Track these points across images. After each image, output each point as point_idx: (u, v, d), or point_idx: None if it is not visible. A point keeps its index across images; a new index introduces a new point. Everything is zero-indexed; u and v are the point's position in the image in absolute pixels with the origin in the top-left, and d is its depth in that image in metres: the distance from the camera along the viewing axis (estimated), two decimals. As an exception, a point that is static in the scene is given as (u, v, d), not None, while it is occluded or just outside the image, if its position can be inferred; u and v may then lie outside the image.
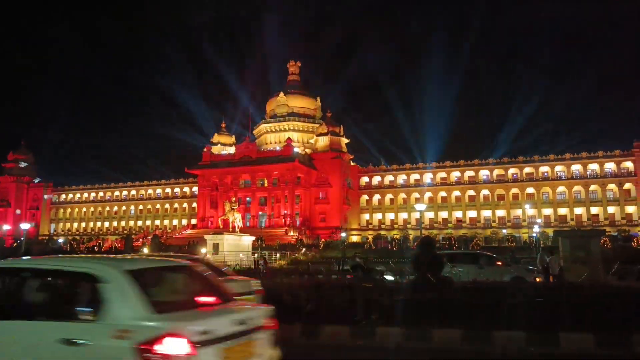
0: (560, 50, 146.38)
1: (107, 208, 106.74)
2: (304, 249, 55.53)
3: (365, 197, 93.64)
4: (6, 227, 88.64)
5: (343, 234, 70.13)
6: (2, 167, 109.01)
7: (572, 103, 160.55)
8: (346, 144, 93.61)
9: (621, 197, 79.75)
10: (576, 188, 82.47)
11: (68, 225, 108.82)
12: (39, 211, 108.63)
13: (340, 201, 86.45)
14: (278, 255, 48.67)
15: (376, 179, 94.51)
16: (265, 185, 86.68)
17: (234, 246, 44.69)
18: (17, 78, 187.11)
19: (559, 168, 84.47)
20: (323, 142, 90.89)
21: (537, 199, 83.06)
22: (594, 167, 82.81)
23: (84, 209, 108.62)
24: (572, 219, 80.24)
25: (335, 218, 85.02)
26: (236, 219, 51.17)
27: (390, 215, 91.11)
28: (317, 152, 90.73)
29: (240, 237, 47.83)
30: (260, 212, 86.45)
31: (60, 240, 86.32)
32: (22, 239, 57.65)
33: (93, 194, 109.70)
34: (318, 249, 57.91)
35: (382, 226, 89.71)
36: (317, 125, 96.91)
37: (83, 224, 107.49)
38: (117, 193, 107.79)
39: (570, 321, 8.75)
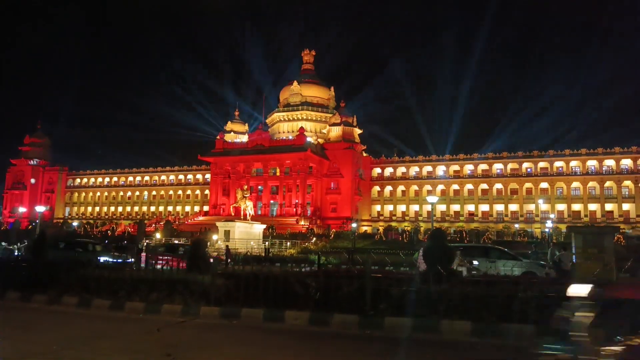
0: (577, 42, 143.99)
1: (121, 193, 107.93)
2: (314, 239, 55.72)
3: (377, 188, 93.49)
4: (22, 209, 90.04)
5: (354, 225, 70.17)
6: (18, 150, 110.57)
7: (589, 97, 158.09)
8: (359, 135, 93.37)
9: (637, 194, 78.60)
10: (591, 184, 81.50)
11: (82, 209, 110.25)
12: (54, 194, 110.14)
13: (352, 192, 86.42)
14: (289, 244, 48.88)
15: (388, 170, 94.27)
16: (277, 174, 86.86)
17: (245, 234, 45.03)
18: (34, 62, 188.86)
19: (574, 163, 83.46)
20: (336, 132, 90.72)
21: (551, 194, 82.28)
22: (609, 163, 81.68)
23: (98, 194, 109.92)
24: (586, 215, 79.45)
25: (346, 208, 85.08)
26: (248, 206, 51.40)
27: (401, 207, 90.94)
28: (329, 142, 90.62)
29: (252, 225, 48.14)
30: (271, 201, 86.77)
31: (75, 223, 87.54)
32: (37, 221, 58.55)
33: (107, 179, 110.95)
34: (328, 238, 58.02)
35: (394, 218, 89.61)
36: (331, 115, 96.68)
37: (97, 209, 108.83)
38: (130, 178, 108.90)
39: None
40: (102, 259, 21.83)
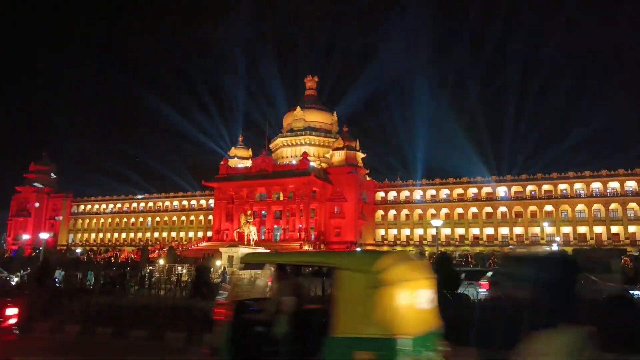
0: (578, 64, 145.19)
1: (125, 219, 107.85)
2: (318, 264, 55.20)
3: (380, 212, 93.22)
4: (26, 236, 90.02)
5: (358, 249, 69.71)
6: (23, 178, 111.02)
7: (592, 119, 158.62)
8: (362, 159, 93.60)
9: (643, 216, 78.06)
10: (596, 206, 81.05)
11: (86, 235, 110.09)
12: (58, 221, 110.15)
13: (356, 216, 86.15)
14: (292, 269, 48.48)
15: (392, 194, 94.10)
16: (281, 198, 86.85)
17: (249, 259, 44.63)
18: (40, 91, 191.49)
19: (578, 186, 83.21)
20: (339, 156, 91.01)
21: (556, 217, 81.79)
22: (614, 185, 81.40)
23: (102, 220, 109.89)
24: (591, 238, 78.75)
25: (350, 233, 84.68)
26: (251, 232, 51.32)
27: (405, 231, 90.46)
28: (332, 166, 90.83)
29: (255, 250, 47.86)
30: (275, 226, 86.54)
31: (78, 250, 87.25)
32: (40, 248, 58.42)
33: (111, 205, 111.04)
34: (333, 263, 57.53)
35: (398, 242, 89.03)
36: (334, 139, 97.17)
37: (100, 235, 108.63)
38: (134, 205, 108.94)
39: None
40: None
